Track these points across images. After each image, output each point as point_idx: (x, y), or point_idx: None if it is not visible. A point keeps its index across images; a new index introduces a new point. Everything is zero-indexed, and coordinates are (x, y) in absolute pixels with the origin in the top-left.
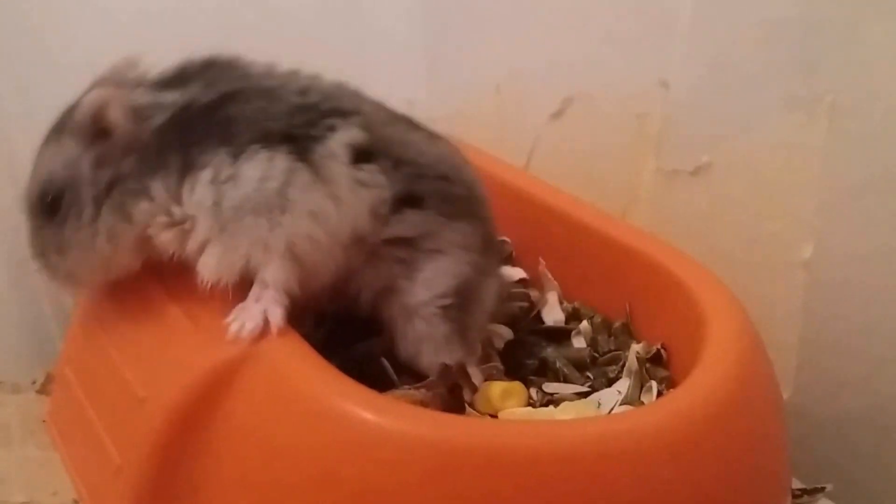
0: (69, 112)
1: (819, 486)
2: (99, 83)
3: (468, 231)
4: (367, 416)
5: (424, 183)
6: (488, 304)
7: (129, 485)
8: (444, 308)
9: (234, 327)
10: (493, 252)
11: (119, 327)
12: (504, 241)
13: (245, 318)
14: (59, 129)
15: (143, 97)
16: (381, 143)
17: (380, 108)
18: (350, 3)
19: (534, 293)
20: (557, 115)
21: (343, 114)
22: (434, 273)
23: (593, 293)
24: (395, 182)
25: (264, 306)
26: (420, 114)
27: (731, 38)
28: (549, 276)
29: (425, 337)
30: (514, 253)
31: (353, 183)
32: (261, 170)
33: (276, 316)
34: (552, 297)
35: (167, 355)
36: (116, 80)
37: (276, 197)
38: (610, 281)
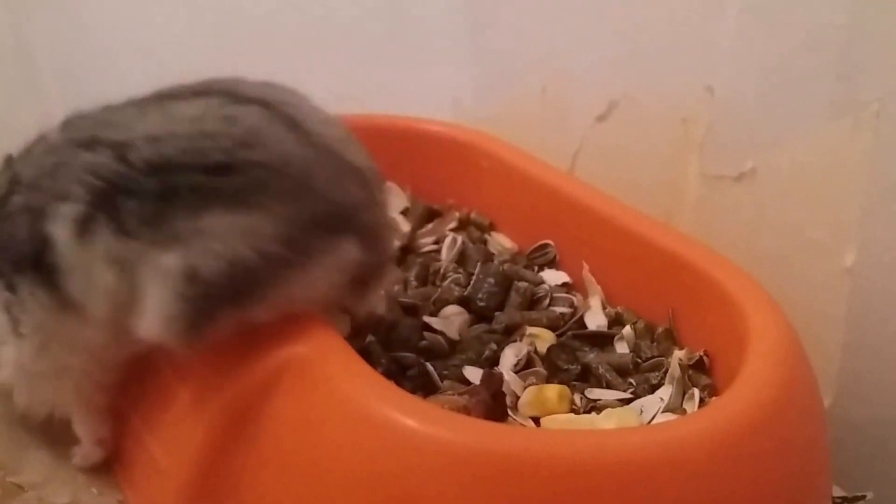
0: None
1: (859, 494)
2: None
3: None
4: (410, 422)
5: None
6: (298, 290)
7: (174, 487)
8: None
9: None
10: (308, 237)
11: None
12: (547, 245)
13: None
14: None
15: None
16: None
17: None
18: (395, 6)
19: (577, 297)
20: (603, 118)
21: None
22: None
23: (636, 298)
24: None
25: None
26: (466, 114)
27: (777, 44)
28: (593, 280)
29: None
30: (557, 256)
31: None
32: None
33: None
34: (595, 302)
35: (214, 360)
36: None
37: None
38: (653, 286)
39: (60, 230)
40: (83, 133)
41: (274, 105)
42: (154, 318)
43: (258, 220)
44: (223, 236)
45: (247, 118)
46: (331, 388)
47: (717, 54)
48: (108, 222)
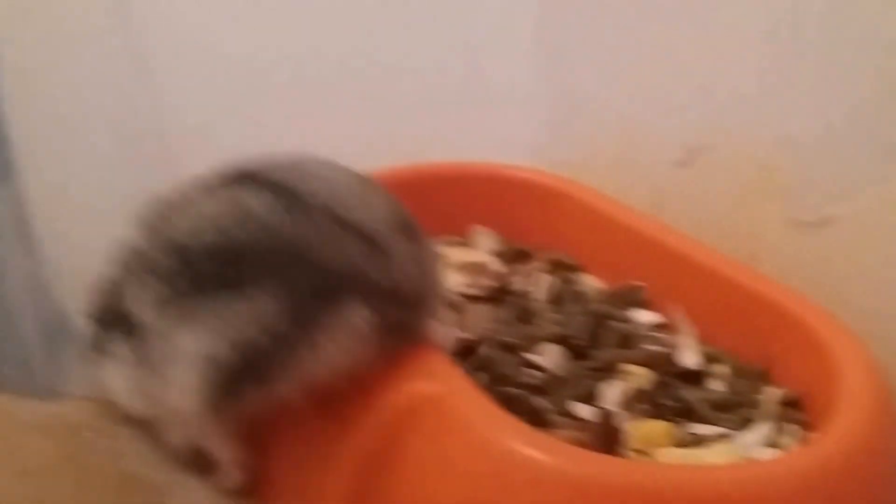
0: None
1: None
2: None
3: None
4: (546, 458)
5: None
6: (312, 361)
7: None
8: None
9: None
10: (308, 308)
11: None
12: (638, 286)
13: None
14: None
15: None
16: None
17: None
18: (468, 54)
19: (669, 336)
20: (681, 163)
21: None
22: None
23: (728, 337)
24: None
25: None
26: (544, 160)
27: (855, 90)
28: (685, 320)
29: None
30: (649, 298)
31: None
32: None
33: None
34: (688, 341)
35: (350, 398)
36: None
37: None
38: (743, 326)
39: (132, 304)
40: (145, 220)
41: (273, 181)
42: (179, 394)
43: (257, 297)
44: (228, 317)
45: (244, 199)
46: (465, 424)
47: (797, 100)
48: (151, 300)
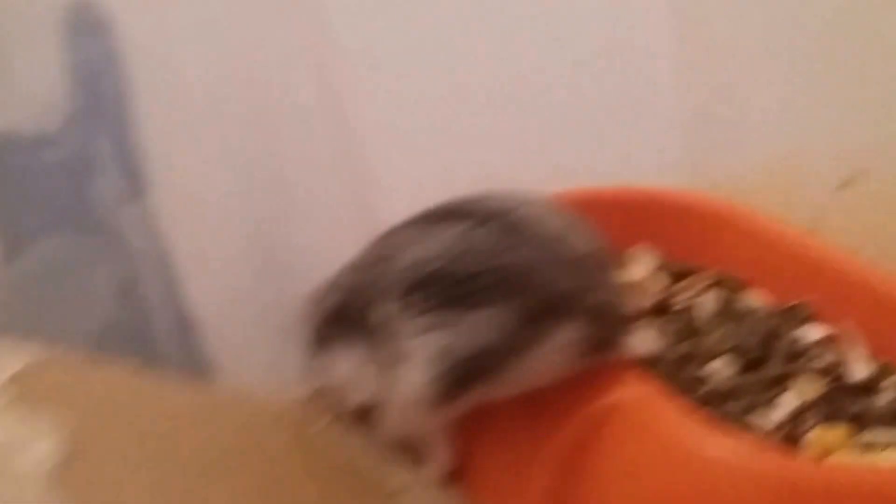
0: None
1: None
2: None
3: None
4: (739, 458)
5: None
6: (531, 367)
7: None
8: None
9: None
10: (534, 324)
11: None
12: (805, 302)
13: None
14: None
15: None
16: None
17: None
18: (611, 70)
19: (839, 350)
20: (844, 185)
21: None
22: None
23: (893, 352)
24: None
25: None
26: (693, 177)
27: None
28: (854, 333)
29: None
30: (814, 312)
31: None
32: None
33: None
34: (857, 354)
35: (546, 405)
36: None
37: None
38: None
39: (370, 315)
40: (372, 251)
41: (497, 217)
42: (411, 388)
43: (493, 314)
44: (468, 326)
45: (467, 233)
46: (661, 430)
47: None
48: (389, 314)
